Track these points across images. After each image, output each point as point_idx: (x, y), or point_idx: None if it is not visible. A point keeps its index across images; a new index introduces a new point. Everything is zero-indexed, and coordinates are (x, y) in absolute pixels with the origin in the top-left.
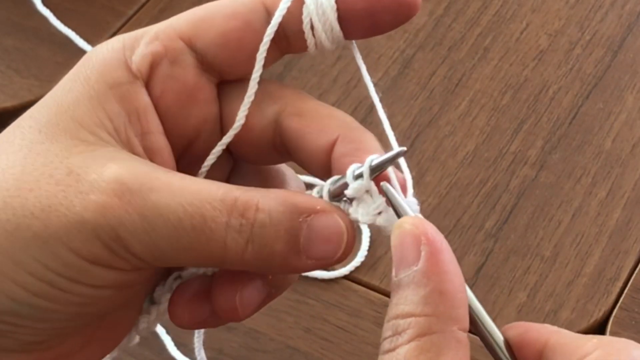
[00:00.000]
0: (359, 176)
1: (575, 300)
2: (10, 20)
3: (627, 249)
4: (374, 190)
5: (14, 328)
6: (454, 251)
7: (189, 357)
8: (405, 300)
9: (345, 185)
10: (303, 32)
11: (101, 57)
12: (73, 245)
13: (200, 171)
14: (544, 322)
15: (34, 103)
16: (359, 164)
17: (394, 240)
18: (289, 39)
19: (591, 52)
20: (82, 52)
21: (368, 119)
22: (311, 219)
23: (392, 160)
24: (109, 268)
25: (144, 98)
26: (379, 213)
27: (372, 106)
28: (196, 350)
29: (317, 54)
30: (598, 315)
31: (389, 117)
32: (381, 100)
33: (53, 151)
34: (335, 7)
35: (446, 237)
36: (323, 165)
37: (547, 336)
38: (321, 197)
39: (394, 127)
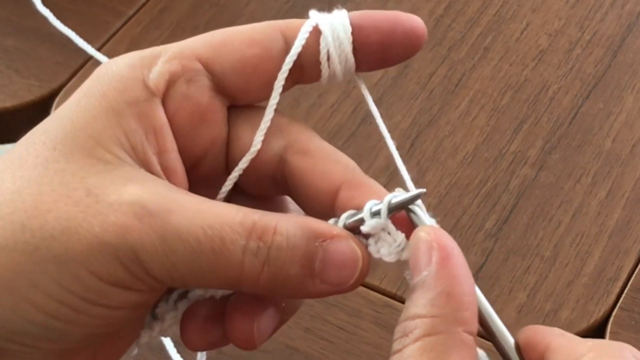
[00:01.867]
0: (376, 213)
1: (575, 300)
2: (10, 20)
3: (627, 249)
4: (391, 228)
5: (27, 349)
6: None
7: (189, 358)
8: (415, 303)
9: (361, 221)
10: (319, 63)
11: (118, 73)
12: (93, 268)
13: (219, 194)
14: (543, 322)
15: (34, 103)
16: (376, 201)
17: (410, 249)
18: (304, 68)
19: (591, 52)
20: (82, 52)
21: (368, 119)
22: (327, 244)
23: (411, 202)
24: (126, 289)
25: (161, 116)
26: (402, 249)
27: None
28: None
29: (326, 84)
30: (598, 315)
31: (389, 118)
32: (381, 102)
33: (70, 170)
34: (351, 38)
35: None
36: (322, 207)
37: (550, 339)
38: None
39: (394, 127)
